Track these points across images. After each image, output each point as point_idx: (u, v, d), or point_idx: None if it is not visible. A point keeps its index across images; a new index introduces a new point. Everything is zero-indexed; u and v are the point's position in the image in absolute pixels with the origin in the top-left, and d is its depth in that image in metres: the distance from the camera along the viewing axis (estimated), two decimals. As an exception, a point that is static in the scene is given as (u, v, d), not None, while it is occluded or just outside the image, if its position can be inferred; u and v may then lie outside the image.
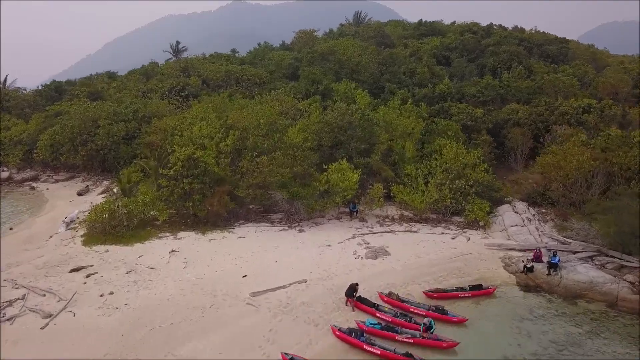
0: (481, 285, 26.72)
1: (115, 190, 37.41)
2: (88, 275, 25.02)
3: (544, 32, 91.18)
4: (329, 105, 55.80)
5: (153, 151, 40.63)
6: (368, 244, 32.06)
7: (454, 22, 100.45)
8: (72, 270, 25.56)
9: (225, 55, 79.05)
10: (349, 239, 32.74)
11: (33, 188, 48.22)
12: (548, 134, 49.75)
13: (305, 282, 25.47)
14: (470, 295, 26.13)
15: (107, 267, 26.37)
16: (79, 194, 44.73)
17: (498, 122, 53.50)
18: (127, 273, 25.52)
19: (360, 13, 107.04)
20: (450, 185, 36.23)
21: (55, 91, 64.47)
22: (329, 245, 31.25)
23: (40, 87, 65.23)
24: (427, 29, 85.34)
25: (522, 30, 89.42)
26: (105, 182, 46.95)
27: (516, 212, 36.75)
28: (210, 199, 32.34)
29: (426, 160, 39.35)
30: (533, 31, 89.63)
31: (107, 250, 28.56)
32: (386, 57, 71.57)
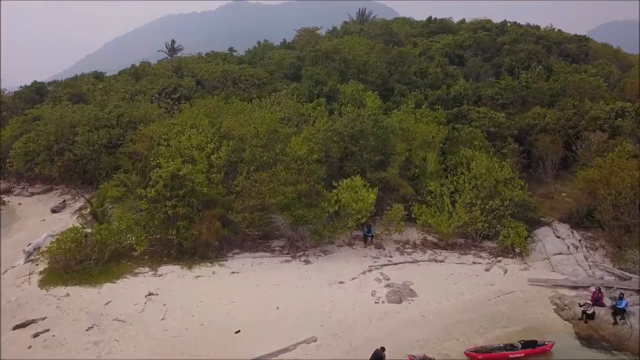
0: (535, 341, 21.00)
1: (87, 210, 31.56)
2: (36, 335, 19.30)
3: (559, 30, 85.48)
4: (335, 109, 50.25)
5: (135, 163, 34.93)
6: (388, 279, 26.38)
7: (464, 19, 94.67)
8: (16, 327, 19.82)
9: (222, 54, 73.27)
10: (364, 272, 27.03)
11: (3, 203, 42.45)
12: (580, 142, 44.15)
13: (315, 341, 19.79)
14: (523, 354, 20.49)
15: (64, 320, 20.60)
16: (53, 211, 39.03)
17: (523, 127, 47.78)
18: (87, 330, 19.78)
19: (365, 10, 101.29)
20: (483, 206, 30.48)
21: (36, 93, 58.70)
22: (342, 283, 25.54)
23: (20, 88, 59.42)
24: (437, 27, 79.55)
25: (537, 27, 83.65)
26: (85, 197, 41.18)
27: (558, 237, 31.02)
28: (199, 224, 26.65)
29: (451, 175, 33.57)
30: (548, 29, 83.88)
31: (68, 294, 22.74)
32: (395, 56, 65.80)
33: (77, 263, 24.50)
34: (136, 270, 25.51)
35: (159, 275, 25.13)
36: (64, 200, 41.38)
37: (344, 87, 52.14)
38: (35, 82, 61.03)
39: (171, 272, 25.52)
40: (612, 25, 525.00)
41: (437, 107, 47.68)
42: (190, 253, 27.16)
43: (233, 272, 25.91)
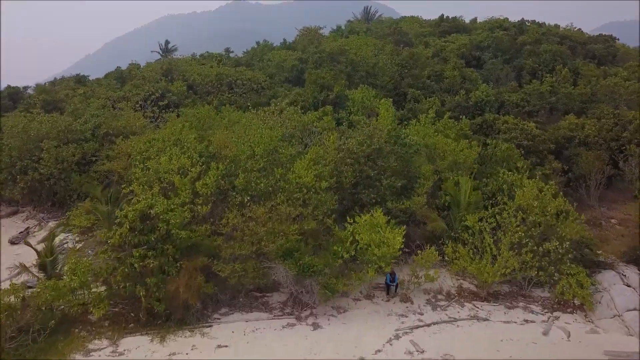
0: None
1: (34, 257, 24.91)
2: None
3: (580, 29, 79.05)
4: (343, 119, 43.89)
5: (105, 190, 28.55)
6: (422, 351, 20.02)
7: (476, 18, 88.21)
8: None
9: (217, 56, 66.70)
10: (390, 340, 20.63)
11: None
12: (630, 158, 37.89)
13: None
14: None
15: None
16: (12, 243, 32.62)
17: (559, 140, 41.37)
18: None
19: (370, 9, 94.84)
20: (535, 248, 24.07)
21: (9, 99, 52.26)
22: (363, 360, 19.24)
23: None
24: (450, 26, 73.03)
25: (557, 26, 77.17)
26: (52, 224, 34.81)
27: (628, 286, 24.68)
28: (175, 279, 20.28)
29: (490, 205, 27.09)
30: (569, 27, 77.39)
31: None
32: (406, 57, 59.36)
33: (8, 339, 18.08)
34: (90, 346, 19.04)
35: (120, 354, 18.72)
36: (27, 228, 34.96)
37: (352, 93, 45.71)
38: (8, 86, 54.50)
39: (137, 348, 19.05)
40: (614, 25, 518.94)
41: (462, 117, 41.20)
42: (165, 317, 20.74)
43: (219, 346, 19.47)
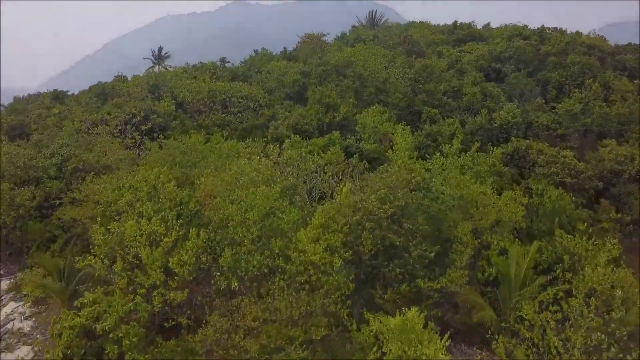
0: None
1: None
2: None
3: (603, 37, 72.83)
4: (351, 147, 37.83)
5: (56, 260, 22.47)
6: None
7: (489, 23, 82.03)
8: None
9: (211, 66, 60.33)
10: None
11: None
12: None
13: None
14: None
15: None
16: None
17: (604, 175, 35.26)
18: None
19: (375, 13, 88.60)
20: (622, 356, 17.94)
21: (-25, 120, 46.16)
22: None
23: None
24: (465, 34, 66.77)
25: (579, 33, 70.91)
26: (5, 283, 28.70)
27: None
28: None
29: (549, 281, 20.94)
30: (592, 35, 71.15)
31: None
32: (419, 70, 53.25)
33: None
34: None
35: None
36: (-26, 288, 28.83)
37: (362, 117, 39.52)
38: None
39: None
40: (616, 25, 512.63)
41: (492, 148, 35.02)
42: None
43: None
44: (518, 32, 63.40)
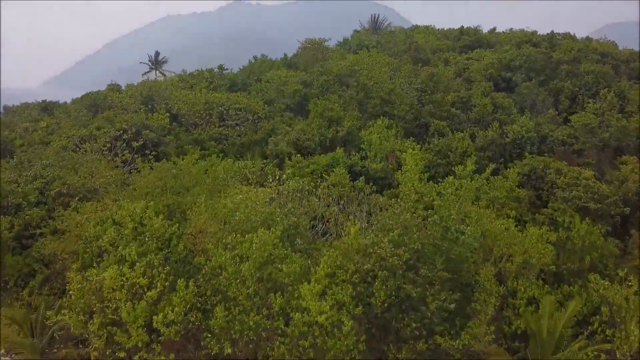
0: None
1: None
2: None
3: (613, 42, 70.34)
4: (356, 166, 35.28)
5: (26, 315, 19.90)
6: None
7: (494, 28, 79.43)
8: None
9: (207, 75, 57.55)
10: None
11: None
12: None
13: None
14: None
15: None
16: None
17: (629, 198, 32.69)
18: None
19: (378, 17, 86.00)
20: None
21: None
22: None
23: None
24: (472, 40, 64.10)
25: (589, 39, 68.37)
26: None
27: None
28: None
29: (586, 336, 18.38)
30: (602, 40, 68.62)
31: None
32: (426, 79, 50.75)
33: None
34: None
35: None
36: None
37: (367, 133, 36.89)
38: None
39: None
40: (617, 26, 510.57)
41: (508, 167, 32.49)
42: None
43: None
44: (527, 39, 60.80)
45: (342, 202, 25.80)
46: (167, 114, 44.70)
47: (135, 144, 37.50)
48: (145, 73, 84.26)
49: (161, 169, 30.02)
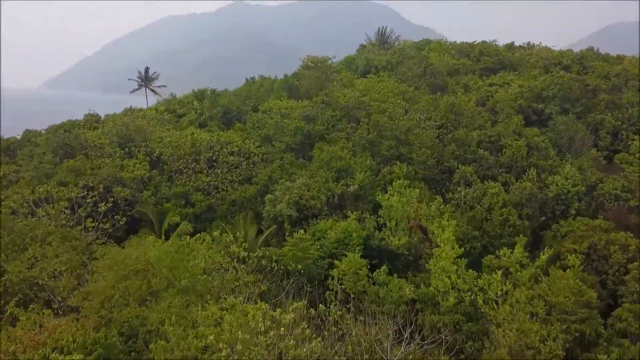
0: None
1: None
2: None
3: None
4: (372, 239, 28.22)
5: None
6: None
7: (512, 43, 72.28)
8: None
9: (197, 105, 49.83)
10: None
11: None
12: None
13: None
14: None
15: None
16: None
17: None
18: None
19: (385, 30, 78.72)
20: None
21: None
22: None
23: None
24: (493, 61, 56.77)
25: (620, 57, 61.17)
26: None
27: None
28: None
29: None
30: (634, 58, 61.38)
31: None
32: (445, 110, 43.81)
33: None
34: None
35: None
36: None
37: (385, 198, 29.62)
38: None
39: None
40: (618, 26, 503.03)
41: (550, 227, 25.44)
42: None
43: None
44: (556, 60, 53.63)
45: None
46: (147, 159, 37.72)
47: (102, 207, 30.40)
48: (134, 90, 77.08)
49: (129, 257, 22.90)
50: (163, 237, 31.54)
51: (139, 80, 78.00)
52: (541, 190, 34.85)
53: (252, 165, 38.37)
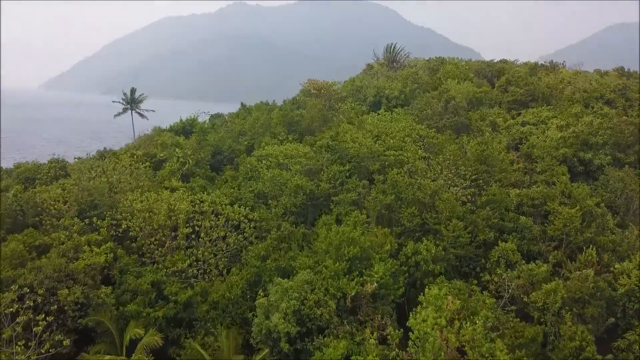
0: None
1: None
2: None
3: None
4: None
5: None
6: None
7: (536, 62, 64.21)
8: None
9: (180, 154, 41.07)
10: None
11: None
12: None
13: None
14: None
15: None
16: None
17: None
18: None
19: (394, 47, 70.51)
20: None
21: None
22: None
23: None
24: (524, 93, 48.42)
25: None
26: None
27: None
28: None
29: None
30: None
31: None
32: (475, 159, 35.96)
33: None
34: None
35: None
36: None
37: (417, 322, 21.64)
38: None
39: None
40: (619, 27, 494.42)
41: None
42: None
43: None
44: (597, 94, 45.50)
45: None
46: (113, 233, 29.82)
47: (41, 323, 22.45)
48: (119, 114, 69.06)
49: None
50: (124, 354, 23.91)
51: (124, 103, 69.89)
52: (607, 283, 27.01)
53: (242, 238, 30.54)
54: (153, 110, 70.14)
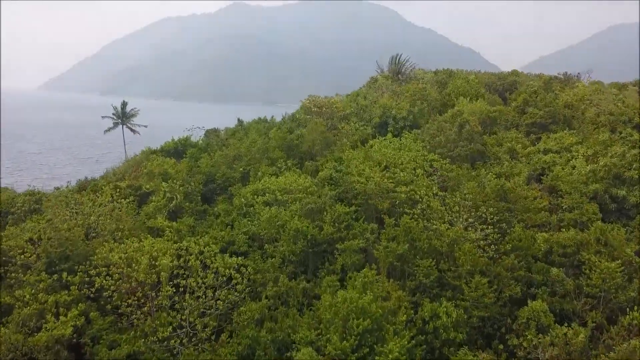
0: None
1: None
2: None
3: None
4: None
5: None
6: None
7: (550, 76, 59.97)
8: None
9: (166, 187, 36.47)
10: None
11: None
12: None
13: None
14: None
15: None
16: None
17: None
18: None
19: (399, 58, 66.18)
20: None
21: None
22: None
23: None
24: (544, 115, 43.90)
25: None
26: None
27: None
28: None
29: None
30: None
31: None
32: (494, 196, 31.75)
33: None
34: None
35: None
36: None
37: None
38: None
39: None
40: (620, 27, 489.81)
41: None
42: None
43: None
44: (624, 117, 41.25)
45: None
46: (85, 292, 25.64)
47: None
48: (109, 129, 64.83)
49: None
50: None
51: (115, 117, 65.66)
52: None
53: (234, 292, 26.39)
54: (145, 126, 65.99)
